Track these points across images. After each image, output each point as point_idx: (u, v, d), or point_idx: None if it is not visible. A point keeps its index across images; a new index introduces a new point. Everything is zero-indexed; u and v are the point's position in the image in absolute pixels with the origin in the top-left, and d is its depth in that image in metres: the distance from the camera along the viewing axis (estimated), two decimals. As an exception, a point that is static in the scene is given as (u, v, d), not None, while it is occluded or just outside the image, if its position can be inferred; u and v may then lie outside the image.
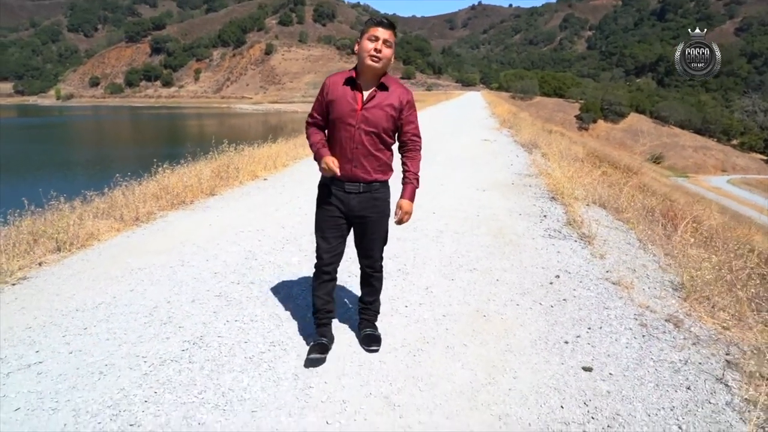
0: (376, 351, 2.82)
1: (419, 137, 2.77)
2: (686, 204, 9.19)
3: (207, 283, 3.87)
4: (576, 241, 4.89)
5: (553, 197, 6.71)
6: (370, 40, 2.53)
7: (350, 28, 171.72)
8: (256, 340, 2.98)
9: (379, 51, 2.51)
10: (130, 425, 2.24)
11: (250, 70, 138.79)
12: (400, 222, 2.78)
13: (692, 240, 4.78)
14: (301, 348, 2.87)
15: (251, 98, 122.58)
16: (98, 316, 3.32)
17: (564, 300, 3.55)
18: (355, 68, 2.62)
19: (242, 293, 3.67)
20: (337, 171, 2.58)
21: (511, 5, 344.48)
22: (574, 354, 2.83)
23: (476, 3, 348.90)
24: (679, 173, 49.19)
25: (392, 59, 2.60)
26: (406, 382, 2.55)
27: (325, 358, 2.74)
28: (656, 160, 49.96)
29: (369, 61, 2.51)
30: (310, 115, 2.76)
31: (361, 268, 2.93)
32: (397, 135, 2.73)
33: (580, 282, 3.89)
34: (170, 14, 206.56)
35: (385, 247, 2.92)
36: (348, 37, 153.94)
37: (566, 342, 2.96)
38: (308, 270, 3.55)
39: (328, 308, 2.86)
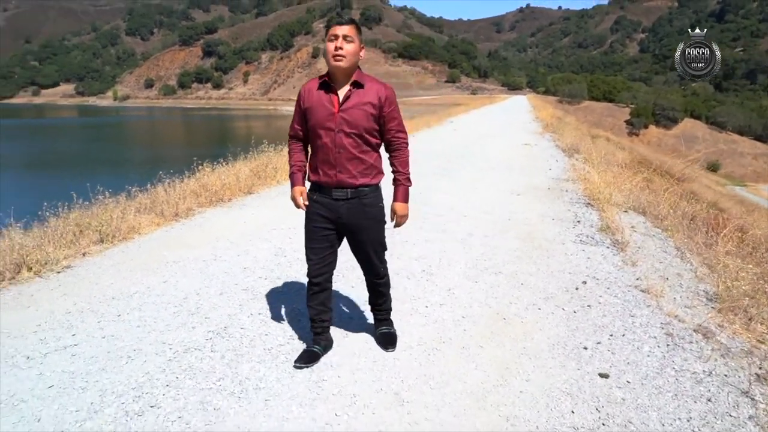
0: (393, 350, 2.82)
1: (404, 134, 2.67)
2: (736, 213, 8.83)
3: (236, 277, 4.00)
4: (608, 247, 4.79)
5: (589, 203, 6.57)
6: (330, 40, 2.48)
7: (396, 32, 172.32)
8: (276, 333, 3.07)
9: (341, 48, 2.44)
10: (151, 406, 2.36)
11: (297, 73, 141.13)
12: (397, 226, 2.74)
13: (734, 249, 4.61)
14: (319, 342, 2.94)
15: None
16: (132, 305, 3.49)
17: (588, 306, 3.50)
18: (327, 74, 2.57)
19: (268, 288, 3.77)
20: (302, 206, 2.62)
21: (560, 7, 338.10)
22: (592, 360, 2.79)
23: (524, 5, 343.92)
24: (737, 182, 46.99)
25: (360, 54, 2.52)
26: (418, 380, 2.58)
27: (311, 366, 2.68)
28: (711, 167, 47.90)
29: (333, 62, 2.45)
30: (291, 127, 2.70)
31: (365, 278, 2.88)
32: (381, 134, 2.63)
33: (608, 289, 3.81)
34: (222, 19, 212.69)
35: (386, 253, 2.85)
36: (394, 40, 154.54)
37: (585, 348, 2.92)
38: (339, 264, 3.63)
39: (322, 317, 2.79)
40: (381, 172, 2.68)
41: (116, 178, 7.32)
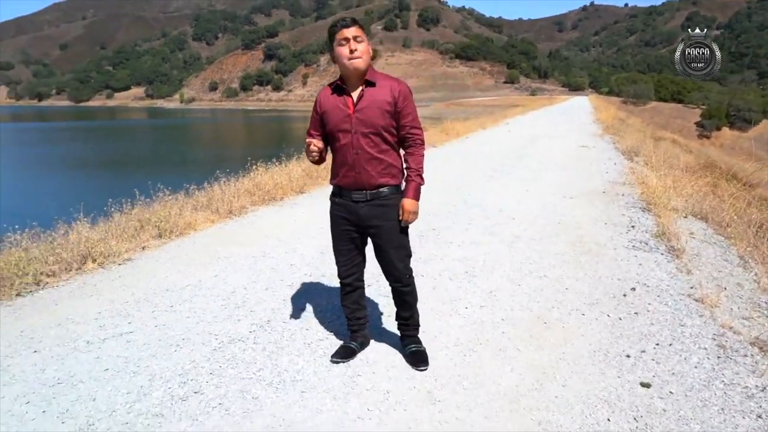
0: (425, 369, 2.66)
1: (420, 130, 2.62)
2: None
3: (282, 273, 4.13)
4: (662, 254, 4.60)
5: (645, 207, 6.32)
6: (341, 44, 2.47)
7: (454, 32, 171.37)
8: (317, 328, 3.15)
9: (355, 49, 2.45)
10: (194, 392, 2.49)
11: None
12: (406, 223, 2.62)
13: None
14: (357, 339, 2.99)
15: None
16: (184, 297, 3.68)
17: (635, 313, 3.39)
18: (339, 78, 2.57)
19: (313, 285, 3.88)
20: (318, 146, 2.54)
21: (626, 5, 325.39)
22: (634, 369, 2.71)
23: (588, 4, 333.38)
24: (818, 189, 43.62)
25: (371, 52, 2.53)
26: (452, 379, 2.59)
27: (347, 361, 2.73)
28: (790, 173, 44.67)
29: (350, 64, 2.45)
30: (308, 133, 2.67)
31: (390, 285, 2.78)
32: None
33: (658, 296, 3.67)
34: (283, 22, 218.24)
35: (411, 260, 2.76)
36: (451, 41, 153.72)
37: (628, 356, 2.84)
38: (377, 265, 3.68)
39: (357, 315, 2.83)
40: (402, 172, 2.66)
41: (178, 176, 7.69)
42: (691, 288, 3.83)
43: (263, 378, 2.60)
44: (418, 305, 3.38)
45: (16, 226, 4.50)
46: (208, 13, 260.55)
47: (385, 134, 2.54)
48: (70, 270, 4.23)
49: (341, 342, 2.93)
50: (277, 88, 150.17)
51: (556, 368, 2.70)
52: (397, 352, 2.86)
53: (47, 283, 4.00)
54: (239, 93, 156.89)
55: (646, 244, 4.89)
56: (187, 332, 3.12)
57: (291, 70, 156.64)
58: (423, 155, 2.66)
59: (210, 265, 4.36)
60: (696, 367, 2.75)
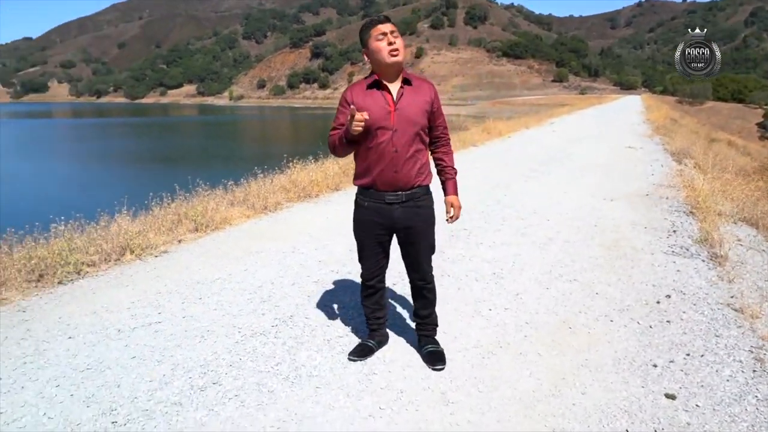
0: (442, 369, 2.65)
1: (448, 130, 2.72)
2: None
3: (310, 269, 4.18)
4: (703, 260, 4.41)
5: (690, 211, 6.06)
6: (378, 39, 2.44)
7: (501, 30, 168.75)
8: (337, 325, 3.18)
9: (394, 43, 2.43)
10: (213, 383, 2.55)
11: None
12: (454, 219, 2.71)
13: None
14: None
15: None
16: (213, 289, 3.78)
17: (667, 321, 3.26)
18: (371, 74, 2.53)
19: (338, 281, 3.91)
20: (366, 115, 2.36)
21: (684, 0, 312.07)
22: (660, 379, 2.60)
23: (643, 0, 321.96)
24: None
25: (405, 48, 2.53)
26: (467, 381, 2.56)
27: (364, 359, 2.74)
28: None
29: (390, 58, 2.42)
30: (333, 128, 2.59)
31: (411, 282, 2.78)
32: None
33: (694, 305, 3.52)
34: (330, 21, 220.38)
35: (433, 257, 2.79)
36: (499, 39, 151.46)
37: (655, 365, 2.73)
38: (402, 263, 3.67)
39: (376, 315, 2.84)
40: (431, 172, 2.67)
41: (221, 172, 7.89)
42: (732, 297, 3.65)
43: (280, 372, 2.64)
44: (441, 305, 3.37)
45: (62, 217, 4.72)
46: (258, 12, 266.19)
47: (422, 133, 2.55)
48: (110, 260, 4.40)
49: (360, 340, 2.94)
50: (323, 86, 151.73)
51: (577, 375, 2.63)
52: (415, 351, 2.85)
53: (87, 272, 4.19)
54: (286, 91, 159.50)
55: (687, 249, 4.70)
56: (212, 324, 3.20)
57: (337, 68, 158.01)
58: (453, 153, 2.76)
59: (241, 259, 4.46)
60: (728, 381, 2.62)
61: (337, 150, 2.60)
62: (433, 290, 2.78)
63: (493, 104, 79.71)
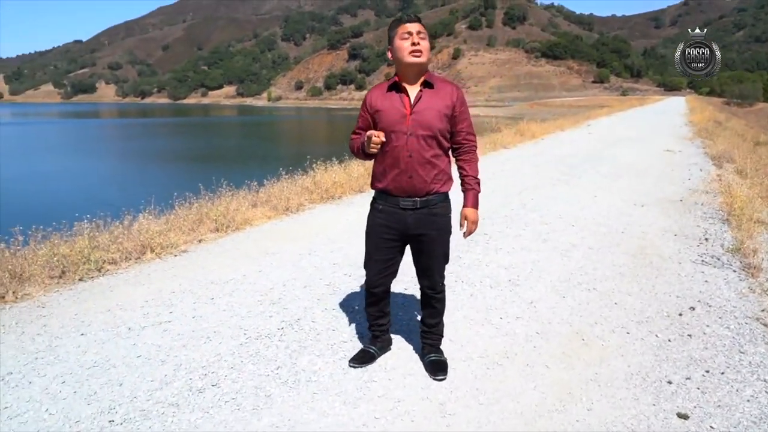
0: (443, 379, 2.57)
1: (474, 137, 2.55)
2: None
3: (323, 271, 4.16)
4: (735, 271, 4.19)
5: (726, 219, 5.79)
6: (403, 38, 2.38)
7: (541, 30, 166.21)
8: (343, 329, 3.15)
9: (418, 44, 2.36)
10: (212, 385, 2.56)
11: (437, 74, 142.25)
12: (468, 234, 2.57)
13: None
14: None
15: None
16: (225, 290, 3.80)
17: (688, 335, 3.10)
18: (395, 75, 2.48)
19: (349, 285, 3.88)
20: (382, 137, 2.36)
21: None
22: (674, 397, 2.47)
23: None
24: None
25: (430, 51, 2.44)
26: (468, 393, 2.48)
27: (365, 366, 2.69)
28: None
29: (411, 58, 2.36)
30: (354, 132, 2.61)
31: (420, 289, 2.71)
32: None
33: (719, 318, 3.34)
34: (368, 22, 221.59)
35: (447, 266, 2.70)
36: (538, 39, 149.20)
37: (669, 382, 2.59)
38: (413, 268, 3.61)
39: (379, 322, 2.78)
40: (451, 179, 2.56)
41: (253, 171, 7.98)
42: (762, 311, 3.45)
43: (280, 376, 2.63)
44: (451, 312, 3.31)
45: (87, 216, 4.85)
46: (296, 14, 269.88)
47: (441, 138, 2.45)
48: (130, 259, 4.50)
49: (363, 345, 2.89)
50: (360, 87, 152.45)
51: (585, 390, 2.52)
52: (419, 360, 2.78)
53: (108, 270, 4.28)
54: (323, 92, 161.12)
55: (718, 259, 4.48)
56: (219, 325, 3.22)
57: (374, 69, 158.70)
58: (478, 162, 2.60)
59: (257, 260, 4.48)
60: (749, 401, 2.46)
61: (358, 156, 2.61)
62: (442, 300, 2.71)
63: (530, 106, 78.52)
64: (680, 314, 3.39)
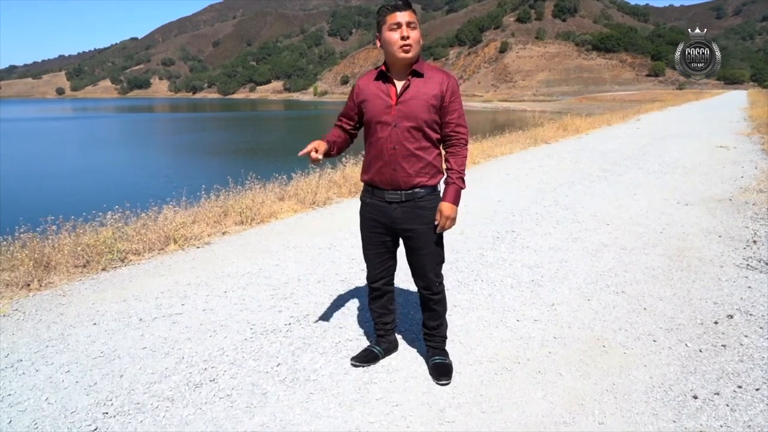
0: (447, 384, 2.45)
1: (465, 129, 2.37)
2: None
3: (340, 267, 4.09)
4: (783, 276, 3.86)
5: (779, 220, 5.38)
6: (392, 29, 2.23)
7: (593, 23, 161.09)
8: (351, 327, 3.06)
9: (407, 37, 2.22)
10: (210, 380, 2.52)
11: (483, 68, 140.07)
12: (441, 229, 2.39)
13: None
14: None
15: (482, 96, 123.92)
16: (240, 283, 3.78)
17: (722, 346, 2.85)
18: (384, 63, 2.36)
19: (364, 281, 3.75)
20: (308, 151, 2.29)
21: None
22: (698, 414, 2.26)
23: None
24: None
25: (421, 40, 2.29)
26: (471, 399, 2.34)
27: (367, 366, 2.60)
28: None
29: (400, 53, 2.23)
30: (337, 119, 2.53)
31: (418, 291, 2.57)
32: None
33: (760, 328, 3.06)
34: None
35: (443, 266, 2.55)
36: (589, 32, 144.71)
37: (695, 397, 2.38)
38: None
39: (384, 320, 2.67)
40: (440, 172, 2.42)
41: (288, 164, 7.95)
42: (810, 322, 3.15)
43: (279, 374, 2.56)
44: (465, 313, 3.18)
45: (117, 207, 4.95)
46: (343, 9, 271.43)
47: (428, 130, 2.32)
48: (153, 250, 4.55)
49: (368, 344, 2.80)
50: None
51: (598, 401, 2.34)
52: (424, 362, 2.66)
53: (131, 260, 4.35)
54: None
55: (766, 263, 4.14)
56: (228, 319, 3.19)
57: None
58: (466, 156, 2.41)
59: (276, 253, 4.45)
60: (784, 422, 2.23)
61: None
62: (440, 302, 2.56)
63: (580, 100, 76.34)
64: (716, 322, 3.14)
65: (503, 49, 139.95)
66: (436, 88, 2.30)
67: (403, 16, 2.24)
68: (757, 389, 2.46)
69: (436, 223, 2.39)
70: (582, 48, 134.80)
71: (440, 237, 2.47)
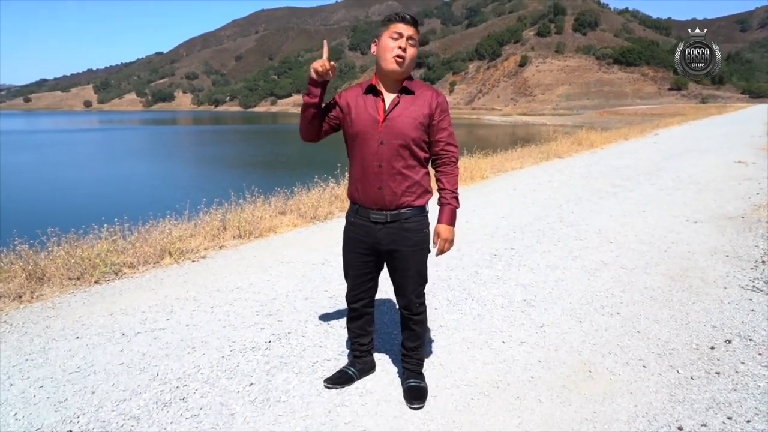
0: (420, 408, 2.38)
1: (455, 147, 2.32)
2: None
3: (330, 283, 4.04)
4: (790, 300, 3.70)
5: (791, 239, 5.19)
6: (392, 38, 2.19)
7: (614, 36, 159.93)
8: (331, 346, 3.00)
9: (404, 50, 2.18)
10: (180, 399, 2.48)
11: (503, 82, 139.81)
12: (441, 252, 2.34)
13: None
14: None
15: (501, 110, 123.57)
16: (228, 299, 3.75)
17: (716, 373, 2.72)
18: (374, 77, 2.32)
19: (353, 298, 3.72)
20: (326, 60, 2.16)
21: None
22: (681, 446, 2.14)
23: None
24: None
25: (414, 61, 2.25)
26: (443, 426, 2.26)
27: (340, 387, 2.54)
28: None
29: (392, 64, 2.19)
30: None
31: (399, 309, 2.52)
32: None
33: (759, 355, 2.93)
34: (434, 31, 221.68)
35: (426, 286, 2.49)
36: (610, 45, 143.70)
37: (680, 428, 2.26)
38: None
39: (360, 341, 2.62)
40: (428, 192, 2.35)
41: (300, 175, 7.93)
42: (813, 349, 3.00)
43: (250, 394, 2.51)
44: (450, 333, 3.10)
45: (116, 219, 4.98)
46: (363, 24, 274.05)
47: (415, 148, 2.26)
48: (148, 263, 4.56)
49: (344, 366, 2.73)
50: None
51: (576, 430, 2.24)
52: (400, 385, 2.59)
53: (125, 273, 4.35)
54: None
55: (773, 285, 3.98)
56: (209, 336, 3.15)
57: (439, 77, 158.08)
58: (457, 175, 2.36)
59: (269, 268, 4.42)
60: (773, 458, 2.10)
61: (302, 123, 2.36)
62: (420, 323, 2.49)
63: (600, 114, 75.60)
64: (712, 348, 3.00)
65: (523, 62, 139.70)
66: (425, 107, 2.25)
67: (406, 29, 2.21)
68: (748, 421, 2.33)
69: (434, 247, 2.34)
70: (603, 62, 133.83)
71: (424, 258, 2.41)
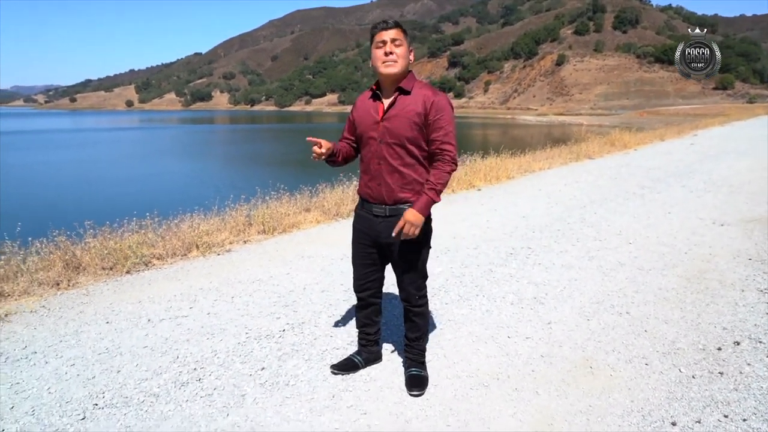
0: (419, 395, 2.48)
1: (451, 146, 2.36)
2: None
3: (346, 277, 4.17)
4: (808, 304, 3.65)
5: (820, 244, 5.07)
6: (378, 47, 2.36)
7: (656, 34, 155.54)
8: (342, 337, 3.13)
9: (391, 53, 2.32)
10: (197, 380, 2.65)
11: (539, 82, 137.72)
12: (401, 233, 2.35)
13: None
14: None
15: (536, 110, 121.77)
16: (248, 290, 3.94)
17: (719, 373, 2.74)
18: (376, 82, 2.47)
19: (367, 292, 3.85)
20: (315, 142, 2.42)
21: None
22: (672, 441, 2.19)
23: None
24: None
25: (411, 58, 2.37)
26: (440, 412, 2.36)
27: (346, 374, 2.66)
28: None
29: (384, 69, 2.34)
30: (342, 136, 2.64)
31: (401, 301, 2.64)
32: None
33: (766, 356, 2.92)
34: (469, 30, 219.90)
35: (426, 282, 2.61)
36: (651, 44, 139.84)
37: (674, 424, 2.31)
38: (434, 289, 3.50)
39: (367, 330, 2.74)
40: None
41: (320, 175, 8.14)
42: (825, 352, 2.97)
43: (260, 377, 2.67)
44: (458, 327, 3.20)
45: (147, 213, 5.24)
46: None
47: (411, 147, 2.38)
48: (176, 255, 4.79)
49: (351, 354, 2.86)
50: (459, 94, 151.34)
51: (570, 422, 2.31)
52: (403, 374, 2.70)
53: (154, 264, 4.60)
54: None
55: (793, 289, 3.93)
56: (228, 323, 3.33)
57: (474, 77, 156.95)
58: (449, 173, 2.41)
59: (290, 262, 4.59)
60: (765, 456, 2.13)
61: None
62: (421, 315, 2.60)
63: (640, 114, 73.77)
64: (719, 348, 3.01)
65: (560, 61, 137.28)
66: (419, 106, 2.36)
67: (388, 34, 2.35)
68: (744, 419, 2.35)
69: (399, 230, 2.36)
70: (643, 60, 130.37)
71: (423, 253, 2.51)
